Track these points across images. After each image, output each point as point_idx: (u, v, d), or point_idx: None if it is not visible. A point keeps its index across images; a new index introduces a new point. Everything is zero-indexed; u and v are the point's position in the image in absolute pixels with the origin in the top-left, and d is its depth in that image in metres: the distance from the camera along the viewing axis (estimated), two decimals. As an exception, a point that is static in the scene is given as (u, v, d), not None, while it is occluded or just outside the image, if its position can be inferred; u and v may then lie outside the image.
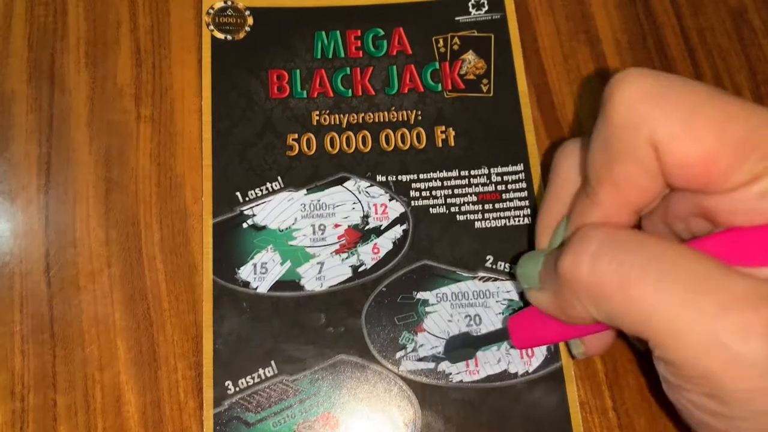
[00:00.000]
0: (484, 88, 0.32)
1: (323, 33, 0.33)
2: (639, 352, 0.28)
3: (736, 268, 0.17)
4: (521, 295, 0.29)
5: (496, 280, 0.29)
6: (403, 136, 0.31)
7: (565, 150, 0.24)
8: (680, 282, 0.17)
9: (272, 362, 0.27)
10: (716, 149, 0.17)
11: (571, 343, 0.26)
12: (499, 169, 0.31)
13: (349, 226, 0.30)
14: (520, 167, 0.31)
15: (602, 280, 0.18)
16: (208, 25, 0.32)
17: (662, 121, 0.18)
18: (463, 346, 0.28)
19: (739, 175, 0.17)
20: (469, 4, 0.33)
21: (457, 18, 0.33)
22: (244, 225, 0.29)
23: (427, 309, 0.29)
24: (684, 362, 0.17)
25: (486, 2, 0.33)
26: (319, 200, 0.30)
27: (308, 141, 0.31)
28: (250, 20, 0.32)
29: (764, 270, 0.17)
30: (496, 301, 0.29)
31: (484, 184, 0.30)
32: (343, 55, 0.32)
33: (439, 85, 0.32)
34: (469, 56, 0.32)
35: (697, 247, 0.18)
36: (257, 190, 0.30)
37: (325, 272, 0.29)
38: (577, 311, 0.20)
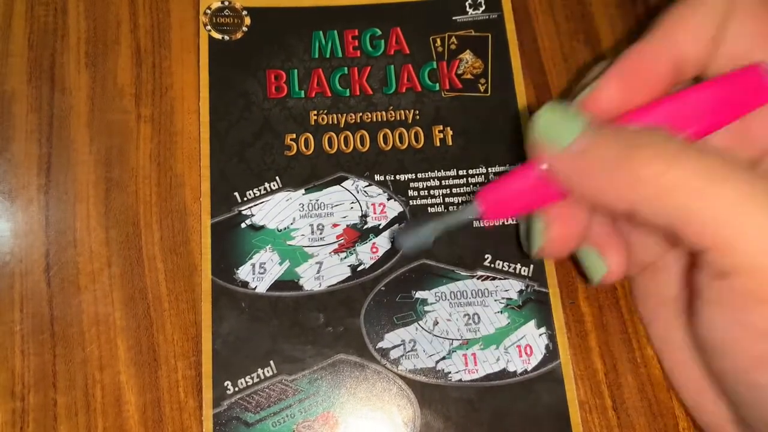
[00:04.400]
0: (482, 88, 0.32)
1: (320, 33, 0.33)
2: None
3: None
4: (519, 293, 0.29)
5: (494, 279, 0.29)
6: (401, 136, 0.31)
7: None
8: (738, 186, 0.18)
9: (271, 362, 0.28)
10: None
11: (591, 267, 0.25)
12: (497, 169, 0.31)
13: (347, 226, 0.30)
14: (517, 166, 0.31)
15: (675, 184, 0.18)
16: (205, 25, 0.32)
17: None
18: (416, 227, 0.24)
19: None
20: (466, 4, 0.33)
21: (454, 17, 0.33)
22: (243, 225, 0.29)
23: (426, 308, 0.29)
24: (747, 267, 0.17)
25: (483, 2, 0.33)
26: (317, 200, 0.30)
27: (306, 141, 0.31)
28: (248, 20, 0.32)
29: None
30: (495, 300, 0.29)
31: (482, 183, 0.30)
32: (340, 54, 0.32)
33: (437, 84, 0.32)
34: (467, 56, 0.32)
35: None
36: (255, 190, 0.30)
37: (324, 272, 0.29)
38: (613, 198, 0.20)
